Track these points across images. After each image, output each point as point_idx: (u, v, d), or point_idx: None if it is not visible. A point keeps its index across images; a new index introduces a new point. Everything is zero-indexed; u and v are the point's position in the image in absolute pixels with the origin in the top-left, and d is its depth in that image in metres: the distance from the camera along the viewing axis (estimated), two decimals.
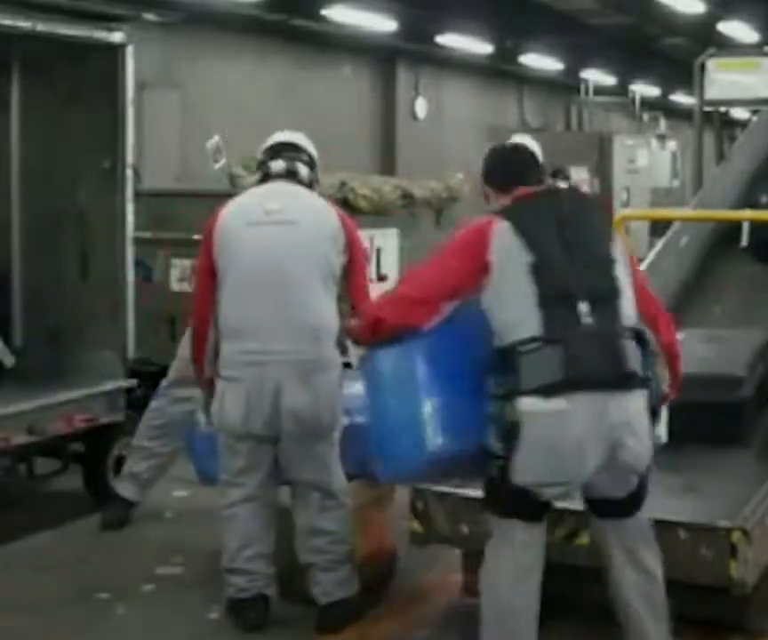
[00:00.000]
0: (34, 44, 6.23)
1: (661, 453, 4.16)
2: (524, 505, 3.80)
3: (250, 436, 4.68)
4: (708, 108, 11.93)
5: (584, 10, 18.99)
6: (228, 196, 6.85)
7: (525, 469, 3.70)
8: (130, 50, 6.29)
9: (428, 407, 3.77)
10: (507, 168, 4.17)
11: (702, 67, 11.56)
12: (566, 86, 25.56)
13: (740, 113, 17.94)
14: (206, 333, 4.81)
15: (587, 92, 25.76)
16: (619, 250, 3.97)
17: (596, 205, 4.23)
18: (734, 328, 6.33)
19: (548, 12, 18.24)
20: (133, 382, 6.50)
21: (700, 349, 5.47)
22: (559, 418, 3.66)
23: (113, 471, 6.38)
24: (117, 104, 6.30)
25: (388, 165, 20.13)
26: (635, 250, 6.16)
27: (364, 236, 5.74)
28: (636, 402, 3.79)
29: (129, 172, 6.38)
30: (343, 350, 4.81)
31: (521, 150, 4.41)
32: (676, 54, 21.61)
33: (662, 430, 4.34)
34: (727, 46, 15.36)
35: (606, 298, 3.81)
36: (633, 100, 25.87)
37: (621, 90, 25.97)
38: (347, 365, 4.88)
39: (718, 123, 12.42)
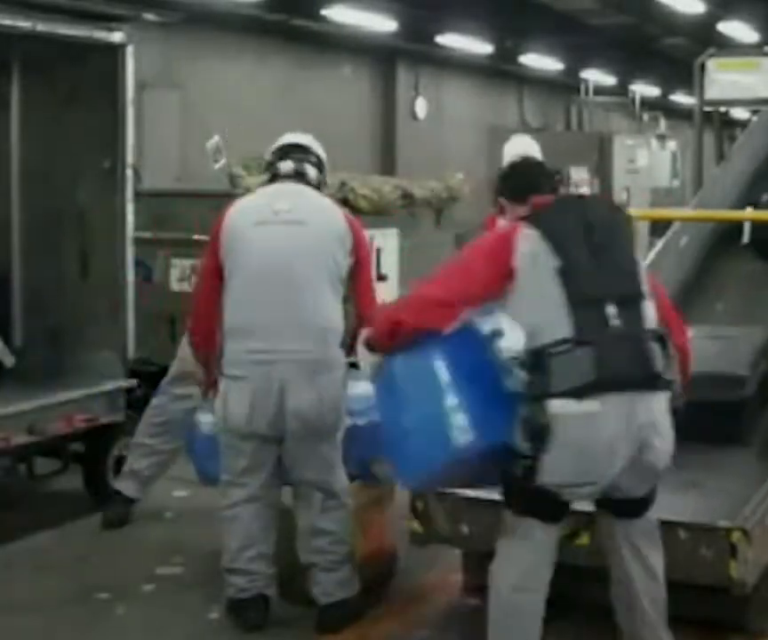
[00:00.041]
0: (34, 44, 6.23)
1: None
2: (547, 505, 3.84)
3: (254, 436, 4.68)
4: (707, 108, 11.92)
5: (584, 10, 19.00)
6: (227, 196, 6.89)
7: (554, 470, 3.72)
8: (130, 50, 6.29)
9: (452, 406, 3.78)
10: (521, 178, 4.26)
11: (702, 67, 11.55)
12: (566, 86, 25.56)
13: (740, 113, 17.94)
14: (213, 334, 4.80)
15: (587, 92, 25.77)
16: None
17: (620, 211, 4.28)
18: (736, 326, 6.33)
19: (547, 11, 18.25)
20: (133, 382, 6.50)
21: (701, 348, 5.47)
22: (591, 419, 3.69)
23: (113, 471, 6.38)
24: (117, 104, 6.30)
25: (387, 165, 20.13)
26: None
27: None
28: (660, 402, 3.85)
29: (129, 172, 6.38)
30: (348, 351, 4.81)
31: (533, 162, 4.61)
32: (676, 54, 21.62)
33: None
34: (727, 46, 15.36)
35: (632, 301, 3.87)
36: (633, 100, 25.88)
37: (621, 90, 25.98)
38: (352, 366, 4.89)
39: (718, 123, 12.41)
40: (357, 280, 4.89)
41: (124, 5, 6.54)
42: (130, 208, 6.39)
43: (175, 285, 8.00)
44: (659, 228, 8.23)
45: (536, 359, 3.73)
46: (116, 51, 6.26)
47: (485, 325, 3.86)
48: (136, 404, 6.51)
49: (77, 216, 6.57)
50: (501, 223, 6.44)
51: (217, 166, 7.54)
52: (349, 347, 4.82)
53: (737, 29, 19.78)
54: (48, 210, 6.73)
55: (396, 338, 3.93)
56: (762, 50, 12.12)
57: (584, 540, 4.43)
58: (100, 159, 6.42)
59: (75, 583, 5.33)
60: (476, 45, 20.38)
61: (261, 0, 15.69)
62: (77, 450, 6.43)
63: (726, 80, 11.55)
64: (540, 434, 3.70)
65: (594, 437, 3.71)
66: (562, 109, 26.89)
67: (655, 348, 3.85)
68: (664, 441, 3.86)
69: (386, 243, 8.66)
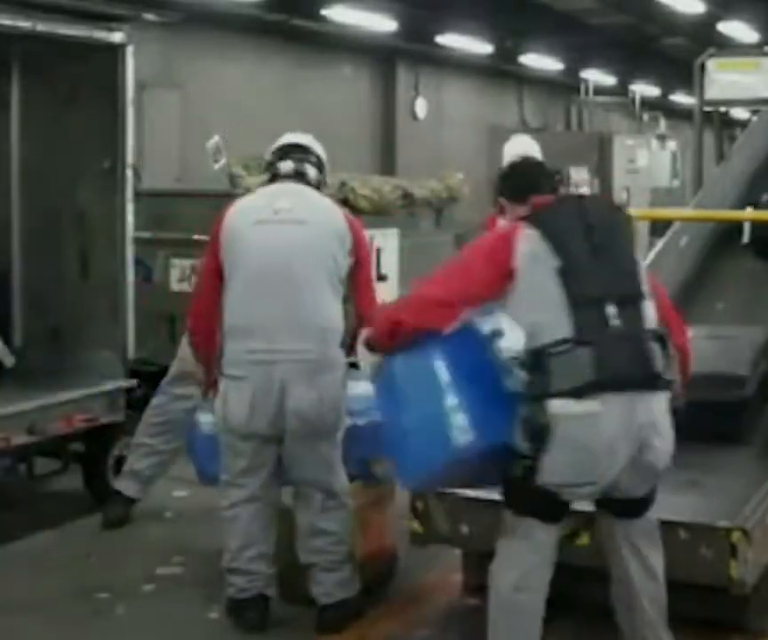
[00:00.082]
0: (34, 43, 6.23)
1: None
2: (546, 505, 3.84)
3: (254, 436, 4.68)
4: (707, 108, 11.92)
5: (584, 10, 19.00)
6: (227, 195, 6.89)
7: (553, 470, 3.72)
8: (130, 50, 6.29)
9: (452, 406, 3.79)
10: (521, 178, 4.26)
11: (702, 67, 11.55)
12: (566, 86, 25.57)
13: (740, 113, 17.94)
14: (213, 334, 4.80)
15: (587, 92, 25.77)
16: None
17: (620, 211, 4.29)
18: (736, 326, 6.33)
19: (547, 11, 18.25)
20: (133, 382, 6.50)
21: (701, 347, 5.48)
22: (591, 419, 3.69)
23: (113, 471, 6.38)
24: (117, 104, 6.30)
25: (387, 165, 20.13)
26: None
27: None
28: (660, 402, 3.85)
29: (129, 172, 6.38)
30: (348, 351, 4.81)
31: (533, 162, 4.62)
32: (676, 54, 21.62)
33: None
34: (727, 46, 15.36)
35: (632, 301, 3.88)
36: (633, 100, 25.88)
37: (621, 90, 25.98)
38: (352, 366, 4.89)
39: (718, 123, 12.41)
40: (357, 280, 4.89)
41: (123, 5, 6.53)
42: (130, 208, 6.38)
43: (175, 285, 8.00)
44: (659, 227, 8.23)
45: (536, 359, 3.73)
46: (116, 51, 6.26)
47: (485, 325, 3.86)
48: (136, 403, 6.51)
49: (77, 216, 6.57)
50: (501, 223, 6.47)
51: (217, 166, 7.54)
52: (349, 347, 4.83)
53: (737, 29, 19.79)
54: (48, 210, 6.73)
55: (396, 338, 3.93)
56: (762, 50, 12.12)
57: (584, 540, 4.43)
58: (99, 159, 6.42)
59: (75, 583, 5.33)
60: (475, 45, 20.38)
61: (261, 0, 15.70)
62: (77, 450, 6.43)
63: (726, 80, 11.55)
64: (540, 434, 3.70)
65: (594, 437, 3.71)
66: (562, 109, 26.89)
67: (655, 347, 3.85)
68: (664, 441, 3.86)
69: (386, 243, 8.67)
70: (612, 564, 4.06)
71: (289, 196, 4.83)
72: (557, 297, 3.77)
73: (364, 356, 4.15)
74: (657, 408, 3.83)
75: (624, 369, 3.76)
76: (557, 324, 3.74)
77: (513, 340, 3.81)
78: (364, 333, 4.19)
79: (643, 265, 4.05)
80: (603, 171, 19.30)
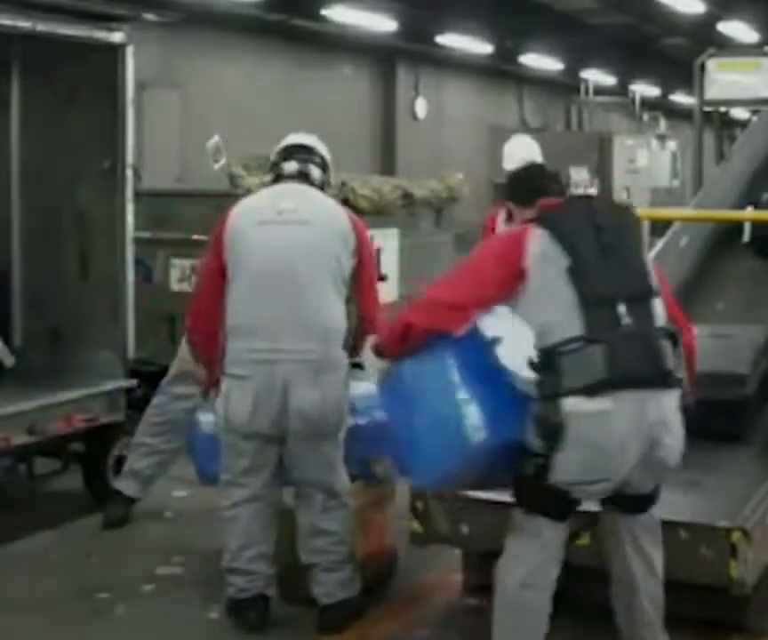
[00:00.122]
0: (34, 44, 6.23)
1: None
2: (557, 503, 3.85)
3: (256, 436, 4.68)
4: (707, 108, 11.93)
5: (584, 10, 19.03)
6: (227, 195, 6.89)
7: (566, 468, 3.74)
8: (130, 50, 6.28)
9: (466, 405, 3.80)
10: (529, 181, 4.29)
11: (702, 67, 11.56)
12: (566, 86, 25.60)
13: (740, 113, 17.95)
14: (216, 334, 4.80)
15: (587, 92, 25.81)
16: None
17: (629, 211, 4.30)
18: (736, 325, 6.33)
19: (547, 12, 18.27)
20: (133, 382, 6.49)
21: (702, 346, 5.48)
22: (604, 417, 3.71)
23: (113, 471, 6.38)
24: (117, 104, 6.30)
25: (387, 165, 20.16)
26: None
27: None
28: (670, 400, 3.87)
29: (129, 172, 6.37)
30: (351, 351, 4.82)
31: (540, 166, 4.67)
32: (676, 54, 21.65)
33: None
34: (727, 46, 15.39)
35: (642, 299, 3.89)
36: (633, 100, 25.92)
37: (621, 90, 26.02)
38: (356, 366, 4.89)
39: (718, 123, 12.42)
40: (360, 280, 4.89)
41: (124, 5, 6.53)
42: (130, 208, 6.38)
43: (175, 285, 7.99)
44: (659, 227, 8.22)
45: (547, 358, 3.75)
46: (116, 51, 6.26)
47: (488, 331, 3.87)
48: (136, 403, 6.51)
49: (77, 216, 6.57)
50: (501, 221, 6.47)
51: (217, 166, 7.54)
52: (351, 347, 4.83)
53: (737, 29, 19.81)
54: (48, 210, 6.73)
55: (408, 340, 3.94)
56: (762, 50, 12.14)
57: (584, 540, 4.43)
58: (100, 159, 6.42)
59: (75, 583, 5.32)
60: (475, 45, 20.40)
61: (261, 0, 15.71)
62: (77, 450, 6.42)
63: (726, 80, 11.56)
64: (553, 432, 3.71)
65: (606, 435, 3.72)
66: (562, 109, 26.92)
67: (666, 345, 3.87)
68: (675, 438, 3.88)
69: (386, 243, 8.66)
70: (614, 561, 4.07)
71: (293, 197, 4.83)
72: (568, 296, 3.78)
73: (373, 363, 4.14)
74: (668, 406, 3.85)
75: (636, 367, 3.78)
76: (568, 324, 3.76)
77: (511, 349, 3.82)
78: (373, 340, 4.20)
79: (651, 264, 4.06)
80: (603, 171, 19.33)
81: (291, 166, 4.92)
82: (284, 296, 4.65)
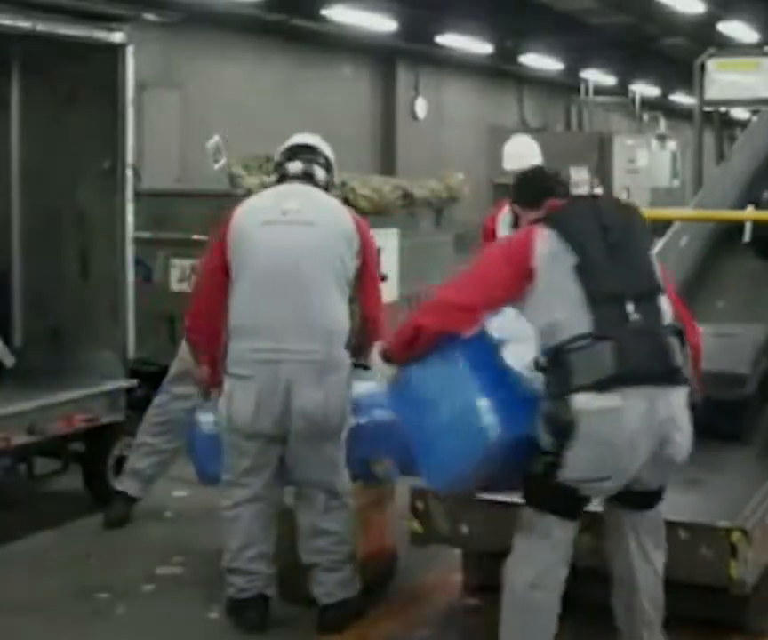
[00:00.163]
0: (34, 44, 6.23)
1: None
2: (566, 501, 3.86)
3: (258, 436, 4.68)
4: (707, 108, 11.93)
5: (584, 10, 19.04)
6: (227, 195, 6.90)
7: (576, 466, 3.74)
8: (130, 50, 6.28)
9: (479, 403, 3.82)
10: (536, 183, 4.31)
11: (702, 67, 11.56)
12: (566, 86, 25.61)
13: (740, 113, 17.95)
14: (218, 334, 4.79)
15: (587, 92, 25.82)
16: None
17: (635, 210, 4.31)
18: (737, 324, 6.33)
19: (547, 12, 18.28)
20: (133, 382, 6.49)
21: (702, 346, 5.49)
22: (614, 414, 3.72)
23: (113, 471, 6.38)
24: (117, 104, 6.30)
25: (387, 165, 20.16)
26: None
27: None
28: (679, 397, 3.88)
29: (129, 172, 6.37)
30: (355, 352, 4.81)
31: (545, 168, 4.70)
32: (676, 54, 21.65)
33: None
34: (727, 46, 15.39)
35: (649, 297, 3.91)
36: (633, 100, 25.93)
37: (621, 90, 26.03)
38: (358, 366, 4.89)
39: (718, 123, 12.42)
40: (364, 281, 4.89)
41: (124, 5, 6.53)
42: (130, 208, 6.38)
43: (175, 285, 7.99)
44: (659, 227, 8.22)
45: (556, 356, 3.76)
46: (116, 51, 6.26)
47: (495, 333, 3.89)
48: (136, 403, 6.51)
49: (77, 216, 6.57)
50: (501, 221, 6.48)
51: (217, 166, 7.54)
52: (356, 348, 4.83)
53: (737, 29, 19.82)
54: (48, 210, 6.72)
55: (417, 344, 3.95)
56: (762, 50, 12.14)
57: (584, 540, 4.42)
58: (99, 159, 6.42)
59: (75, 583, 5.32)
60: (475, 45, 20.41)
61: (261, 0, 15.71)
62: (77, 450, 6.42)
63: (726, 80, 11.55)
64: (564, 430, 3.72)
65: (616, 433, 3.73)
66: (562, 109, 26.92)
67: (674, 342, 3.88)
68: (684, 435, 3.89)
69: (386, 243, 8.66)
70: (616, 560, 4.07)
71: (297, 197, 4.83)
72: (576, 294, 3.79)
73: (381, 368, 4.14)
74: (676, 403, 3.86)
75: (644, 363, 3.79)
76: (576, 321, 3.77)
77: (517, 351, 3.84)
78: (381, 345, 4.20)
79: (657, 262, 4.08)
80: (603, 171, 19.34)
81: (295, 166, 4.91)
82: (287, 296, 4.65)
